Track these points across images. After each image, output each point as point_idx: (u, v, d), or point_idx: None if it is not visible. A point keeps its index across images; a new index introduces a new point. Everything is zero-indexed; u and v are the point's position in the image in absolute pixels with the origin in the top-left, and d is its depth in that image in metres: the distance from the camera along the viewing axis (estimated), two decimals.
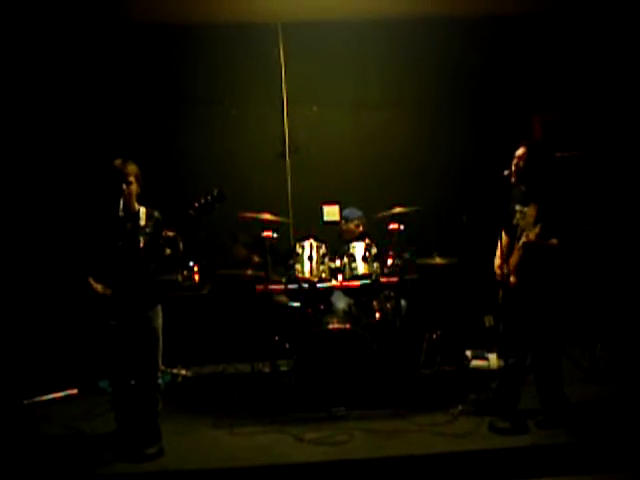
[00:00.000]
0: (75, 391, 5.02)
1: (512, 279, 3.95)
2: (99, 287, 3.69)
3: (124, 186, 3.71)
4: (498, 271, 4.12)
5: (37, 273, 5.46)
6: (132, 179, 3.74)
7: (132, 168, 3.76)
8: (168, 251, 3.72)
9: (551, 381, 3.99)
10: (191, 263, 5.01)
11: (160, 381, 3.95)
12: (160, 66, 5.90)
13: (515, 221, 3.99)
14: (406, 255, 4.80)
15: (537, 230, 3.71)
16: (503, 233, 4.14)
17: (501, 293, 4.15)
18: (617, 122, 6.02)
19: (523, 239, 3.79)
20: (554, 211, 3.83)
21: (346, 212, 5.37)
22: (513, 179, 3.99)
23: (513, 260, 3.96)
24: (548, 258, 3.87)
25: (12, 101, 5.62)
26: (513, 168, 3.97)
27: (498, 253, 4.19)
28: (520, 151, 3.98)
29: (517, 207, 4.01)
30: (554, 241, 3.81)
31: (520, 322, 4.02)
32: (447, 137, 6.03)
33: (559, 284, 3.95)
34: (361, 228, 5.24)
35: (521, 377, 4.15)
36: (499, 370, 4.40)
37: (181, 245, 3.78)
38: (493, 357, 5.13)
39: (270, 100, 5.99)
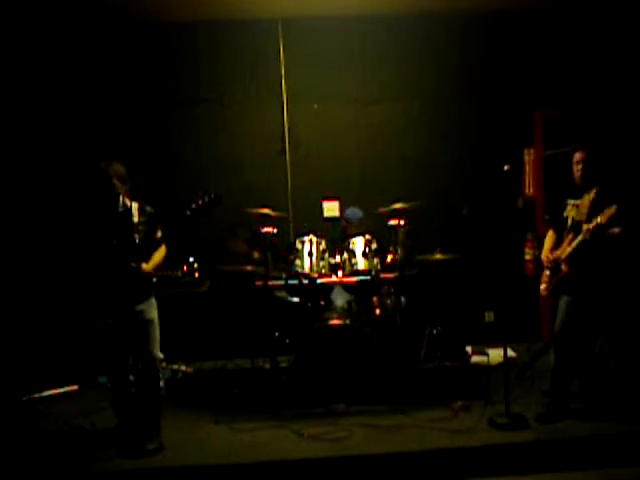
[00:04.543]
0: (75, 387, 5.03)
1: (564, 267, 3.93)
2: None
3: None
4: (546, 261, 4.08)
5: (35, 269, 5.44)
6: (115, 181, 3.73)
7: (116, 168, 3.74)
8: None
9: (569, 374, 4.03)
10: (191, 259, 5.01)
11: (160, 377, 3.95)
12: (159, 64, 5.85)
13: (566, 213, 4.01)
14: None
15: (612, 211, 3.63)
16: (551, 229, 4.19)
17: (544, 285, 4.09)
18: (621, 118, 5.97)
19: (589, 226, 3.72)
20: (614, 198, 3.75)
21: (348, 213, 5.32)
22: (580, 182, 3.97)
23: (563, 251, 3.94)
24: (610, 247, 3.83)
25: (6, 100, 5.59)
26: (578, 173, 3.96)
27: (546, 246, 4.18)
28: (579, 155, 3.95)
29: (570, 201, 4.02)
30: (616, 230, 3.76)
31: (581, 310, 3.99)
32: (448, 132, 6.00)
33: (620, 274, 3.95)
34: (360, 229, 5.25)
35: (576, 369, 4.16)
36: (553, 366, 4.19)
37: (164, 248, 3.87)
38: (493, 353, 5.13)
39: (270, 96, 5.96)
